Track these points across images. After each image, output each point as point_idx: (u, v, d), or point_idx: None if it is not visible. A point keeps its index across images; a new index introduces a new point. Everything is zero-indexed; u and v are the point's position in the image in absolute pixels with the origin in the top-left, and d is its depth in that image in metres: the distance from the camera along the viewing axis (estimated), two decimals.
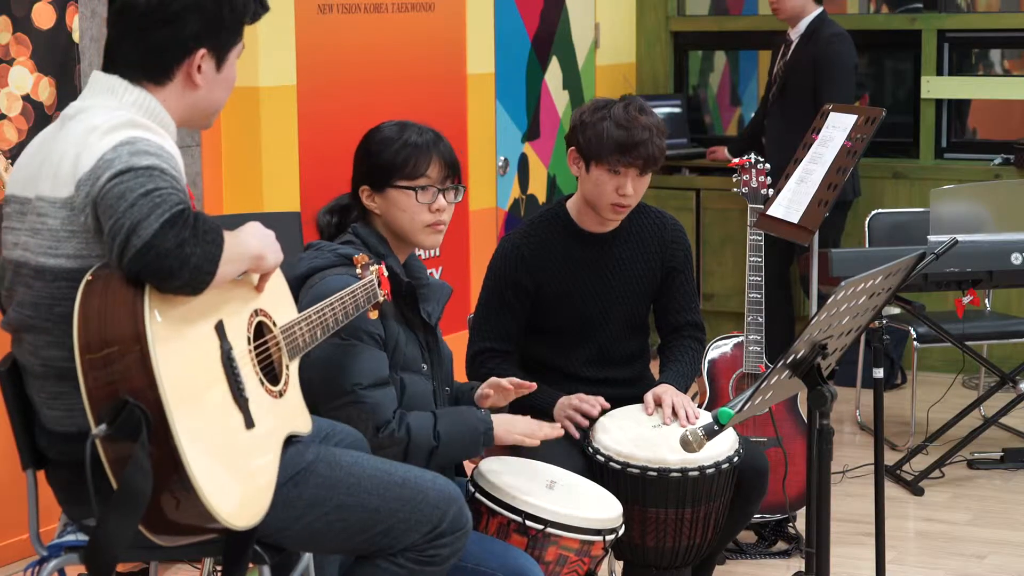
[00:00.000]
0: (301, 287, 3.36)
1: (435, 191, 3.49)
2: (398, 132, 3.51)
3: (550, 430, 3.55)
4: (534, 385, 3.62)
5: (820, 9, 6.76)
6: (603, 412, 3.91)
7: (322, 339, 3.04)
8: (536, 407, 3.88)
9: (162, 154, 2.65)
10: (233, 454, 2.67)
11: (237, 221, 2.89)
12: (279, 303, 2.94)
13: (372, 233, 3.49)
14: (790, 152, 4.93)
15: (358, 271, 3.22)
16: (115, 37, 2.84)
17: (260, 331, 2.85)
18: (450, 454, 3.45)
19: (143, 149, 2.63)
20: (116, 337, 2.54)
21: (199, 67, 2.83)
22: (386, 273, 3.26)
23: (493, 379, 3.64)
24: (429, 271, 3.79)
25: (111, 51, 2.84)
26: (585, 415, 3.89)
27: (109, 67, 2.84)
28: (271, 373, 2.86)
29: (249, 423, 2.72)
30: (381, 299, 3.23)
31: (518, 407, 3.88)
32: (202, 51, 2.83)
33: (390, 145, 3.48)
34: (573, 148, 3.97)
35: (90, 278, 2.60)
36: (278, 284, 2.95)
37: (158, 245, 2.52)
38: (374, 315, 3.20)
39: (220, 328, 2.70)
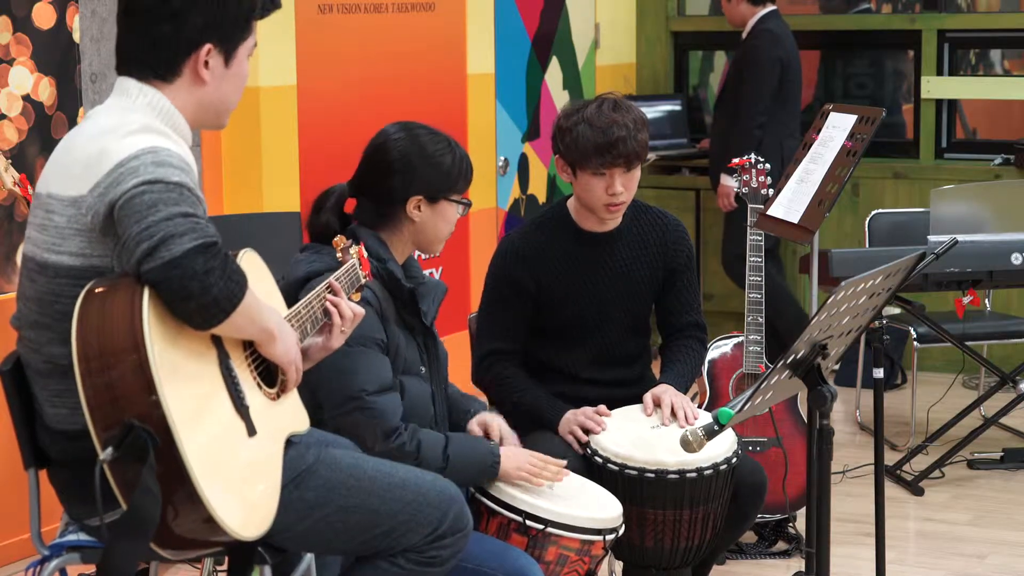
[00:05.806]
0: (300, 290, 3.33)
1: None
2: (439, 141, 3.49)
3: (554, 472, 3.51)
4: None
5: (765, 11, 6.80)
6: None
7: (312, 333, 3.03)
8: (542, 420, 3.89)
9: (185, 168, 2.66)
10: (238, 464, 2.67)
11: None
12: (270, 303, 2.93)
13: (372, 236, 3.48)
14: (730, 149, 4.90)
15: (338, 255, 3.18)
16: (122, 36, 2.85)
17: None
18: (454, 479, 3.42)
19: (167, 160, 2.63)
20: (114, 348, 2.52)
21: (206, 62, 2.82)
22: (366, 254, 3.24)
23: (488, 421, 3.62)
24: (428, 271, 3.79)
25: (120, 49, 2.85)
26: (588, 431, 3.86)
27: (120, 66, 2.84)
28: (266, 376, 2.86)
29: (251, 431, 2.72)
30: (364, 281, 3.19)
31: (526, 421, 3.86)
32: (208, 46, 2.82)
33: (444, 157, 3.48)
34: (558, 156, 3.96)
35: (91, 291, 2.59)
36: (269, 286, 2.94)
37: (186, 264, 2.53)
38: (356, 297, 3.16)
39: (216, 337, 2.69)
